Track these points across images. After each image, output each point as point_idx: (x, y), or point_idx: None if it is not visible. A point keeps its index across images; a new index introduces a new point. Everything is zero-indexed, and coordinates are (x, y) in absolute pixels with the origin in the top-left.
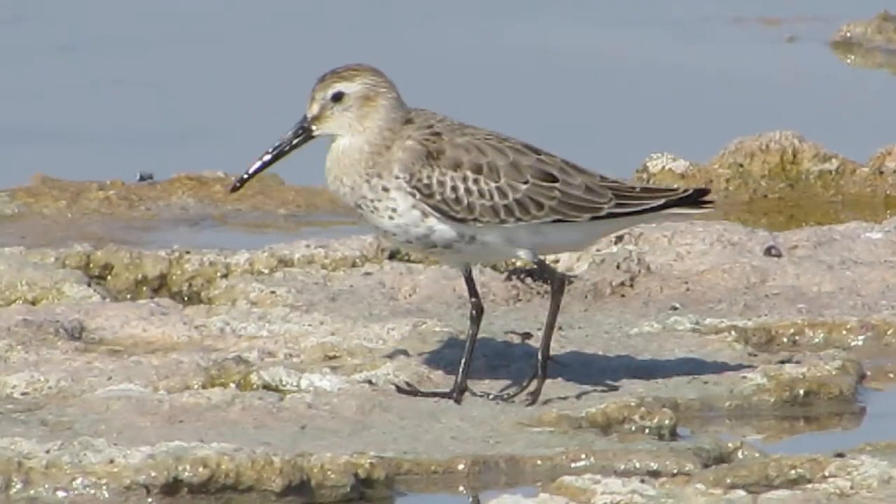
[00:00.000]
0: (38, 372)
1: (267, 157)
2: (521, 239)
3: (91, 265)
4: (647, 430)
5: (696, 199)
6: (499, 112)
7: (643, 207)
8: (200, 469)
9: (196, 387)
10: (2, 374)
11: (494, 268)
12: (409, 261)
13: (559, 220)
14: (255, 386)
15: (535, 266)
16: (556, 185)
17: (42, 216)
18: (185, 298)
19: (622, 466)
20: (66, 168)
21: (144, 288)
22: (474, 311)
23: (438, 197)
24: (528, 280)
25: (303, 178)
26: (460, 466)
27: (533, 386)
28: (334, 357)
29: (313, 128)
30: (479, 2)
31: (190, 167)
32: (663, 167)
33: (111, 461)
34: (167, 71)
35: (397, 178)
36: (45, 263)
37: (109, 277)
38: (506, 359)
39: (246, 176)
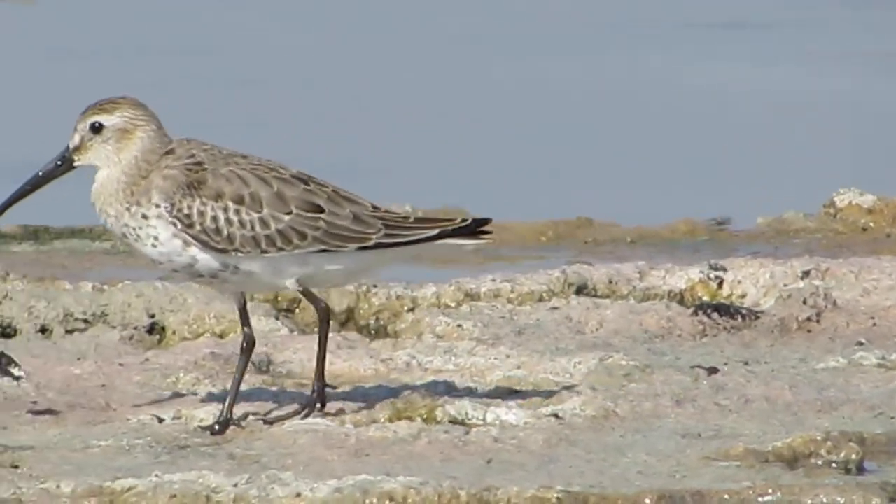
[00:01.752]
0: (225, 405)
1: (26, 187)
2: (286, 269)
3: (279, 298)
4: (833, 465)
5: (474, 229)
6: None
7: (414, 238)
8: (387, 503)
9: (382, 420)
10: (189, 407)
11: (681, 302)
12: (595, 296)
13: (325, 251)
14: (441, 419)
15: (300, 294)
16: (322, 215)
17: None
18: (372, 332)
19: (809, 501)
20: None
21: (332, 321)
22: (245, 343)
23: (199, 227)
24: (715, 315)
25: (490, 213)
26: (647, 501)
27: (305, 412)
28: (520, 391)
29: (74, 158)
30: (653, 42)
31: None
32: (850, 202)
33: (298, 494)
34: (334, 105)
35: (157, 206)
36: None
37: (297, 311)
38: (692, 393)
39: (4, 204)
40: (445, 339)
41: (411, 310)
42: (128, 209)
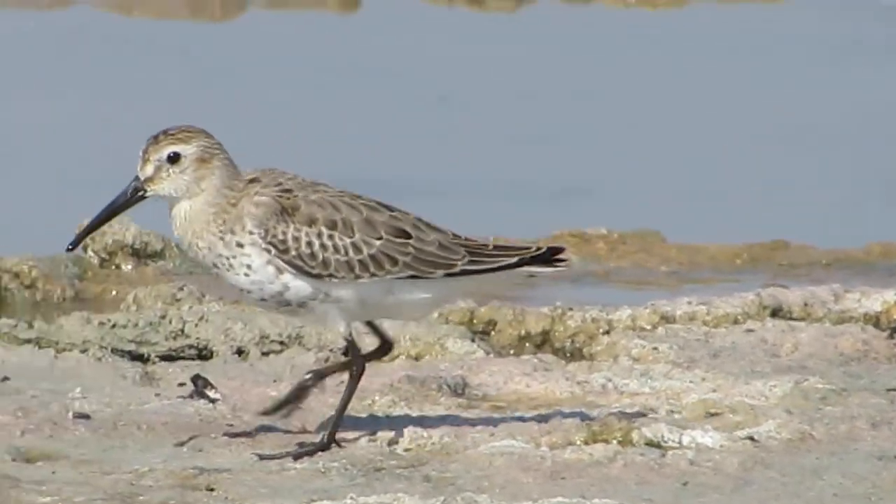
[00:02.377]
0: (421, 428)
1: (99, 217)
2: (373, 298)
3: (475, 321)
4: None
5: (549, 257)
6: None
7: (497, 265)
8: None
9: (578, 443)
10: (385, 429)
11: (877, 325)
12: (790, 318)
13: (413, 276)
14: (636, 442)
15: (346, 341)
16: (410, 241)
17: None
18: (568, 354)
19: None
20: (446, 221)
21: (527, 344)
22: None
23: (294, 252)
24: None
25: (685, 236)
26: None
27: (308, 449)
28: (716, 413)
29: (147, 188)
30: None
31: (572, 224)
32: None
33: None
34: (554, 126)
35: (251, 233)
36: (429, 319)
37: (493, 333)
38: (888, 415)
39: (79, 234)
40: (641, 361)
41: (607, 332)
42: (221, 238)
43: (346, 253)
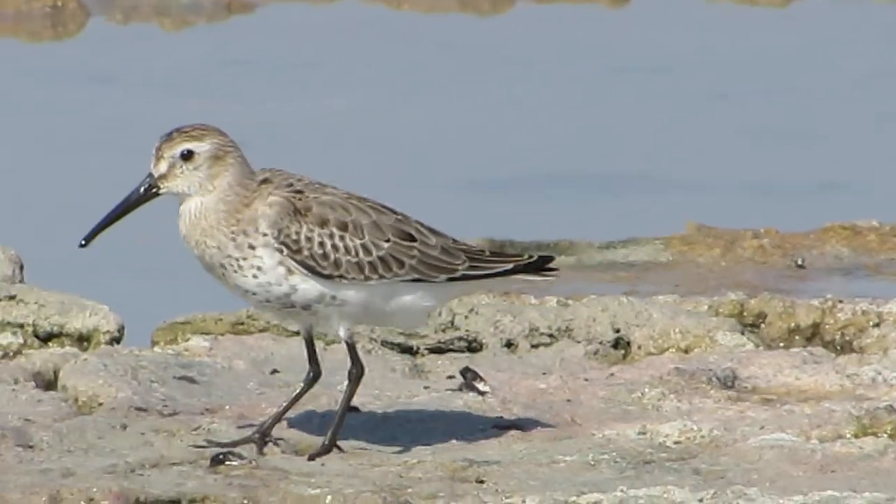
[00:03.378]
0: (690, 421)
1: (110, 216)
2: (377, 301)
3: (745, 313)
4: None
5: (541, 266)
6: None
7: (494, 271)
8: None
9: (848, 436)
10: (655, 422)
11: None
12: None
13: (418, 280)
14: None
15: (346, 344)
16: (415, 244)
17: (696, 264)
18: (838, 347)
19: None
20: (719, 216)
21: (797, 336)
22: (311, 375)
23: (306, 252)
24: None
25: None
26: None
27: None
28: None
29: (160, 185)
30: None
31: (843, 216)
32: None
33: None
34: (818, 120)
35: (265, 234)
36: (699, 311)
37: (763, 326)
38: None
39: (90, 231)
40: None
41: (877, 325)
42: (233, 240)
43: (357, 254)
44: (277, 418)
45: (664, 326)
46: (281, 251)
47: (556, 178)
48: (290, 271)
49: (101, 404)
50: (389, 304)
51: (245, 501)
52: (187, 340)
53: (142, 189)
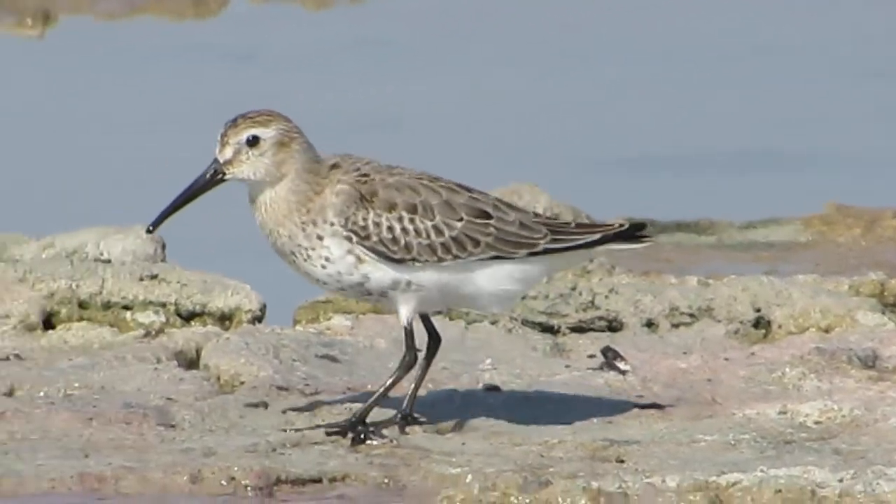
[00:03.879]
0: (831, 401)
1: (177, 201)
2: (453, 283)
3: (885, 293)
4: None
5: (633, 233)
6: None
7: (579, 242)
8: None
9: None
10: (795, 402)
11: None
12: None
13: (497, 257)
14: None
15: (405, 330)
16: (491, 221)
17: (836, 244)
18: None
19: None
20: (860, 195)
21: None
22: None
23: (375, 238)
24: None
25: None
26: None
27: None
28: None
29: (226, 171)
30: None
31: None
32: None
33: None
34: None
35: (332, 224)
36: (839, 291)
37: None
38: None
39: (157, 217)
40: None
41: None
42: (303, 230)
43: (428, 236)
44: (414, 394)
45: (805, 306)
46: (350, 239)
47: (691, 157)
48: (360, 259)
49: (242, 383)
50: (468, 286)
51: (386, 480)
52: (329, 319)
53: (207, 175)
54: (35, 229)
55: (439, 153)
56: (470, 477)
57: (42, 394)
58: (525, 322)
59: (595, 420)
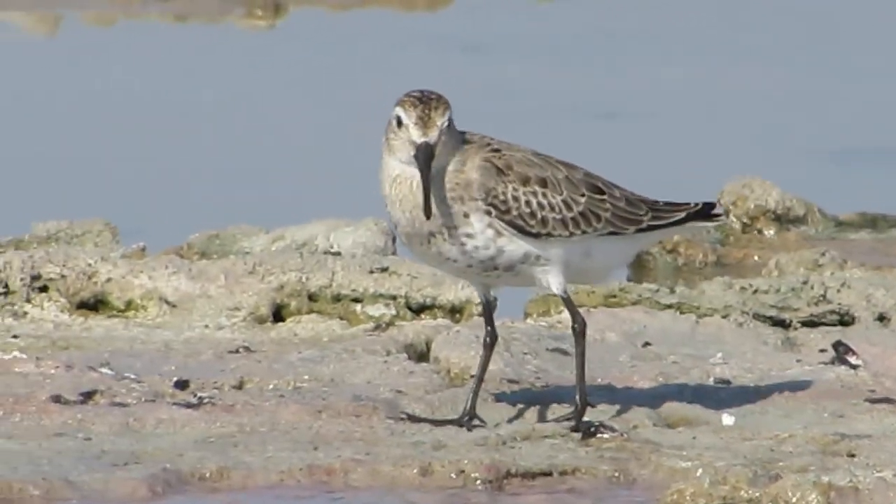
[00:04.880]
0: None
1: (425, 185)
2: (575, 257)
3: None
4: None
5: (707, 212)
6: None
7: (672, 220)
8: None
9: None
10: None
11: None
12: None
13: (611, 233)
14: None
15: (563, 300)
16: (605, 197)
17: None
18: None
19: None
20: None
21: None
22: (488, 339)
23: (515, 213)
24: None
25: None
26: None
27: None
28: None
29: (434, 154)
30: None
31: None
32: None
33: None
34: None
35: (474, 199)
36: None
37: None
38: None
39: (426, 205)
40: None
41: None
42: (450, 207)
43: (560, 211)
44: (475, 393)
45: None
46: (489, 213)
47: None
48: (498, 233)
49: (472, 376)
50: (585, 260)
51: (616, 474)
52: (560, 313)
53: (425, 157)
54: (265, 222)
55: (665, 145)
56: (700, 471)
57: (271, 386)
58: (756, 316)
59: (826, 414)
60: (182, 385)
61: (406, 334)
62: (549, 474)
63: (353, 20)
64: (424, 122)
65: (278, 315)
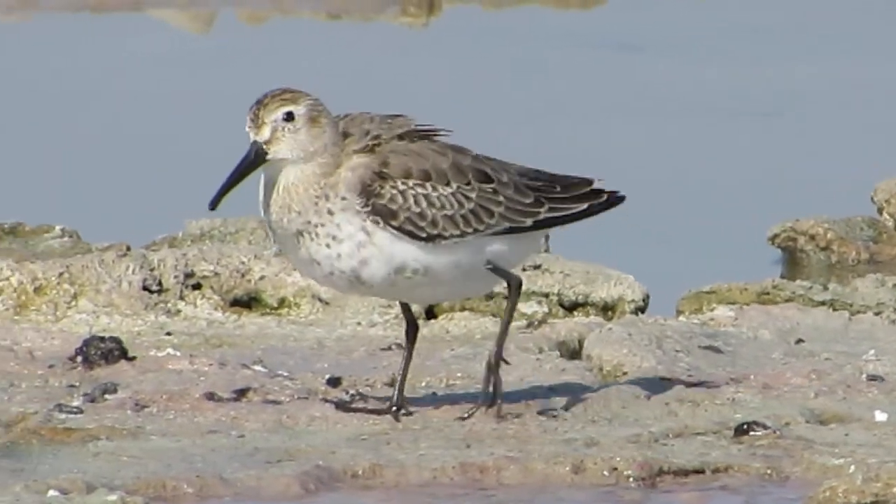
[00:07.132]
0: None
1: (229, 181)
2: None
3: None
4: None
5: (615, 203)
6: None
7: (574, 212)
8: None
9: None
10: None
11: None
12: None
13: (510, 230)
14: None
15: (489, 269)
16: (494, 185)
17: None
18: None
19: None
20: None
21: None
22: (410, 331)
23: (403, 217)
24: None
25: None
26: None
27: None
28: None
29: (268, 151)
30: None
31: None
32: None
33: None
34: None
35: (344, 199)
36: None
37: None
38: None
39: (214, 196)
40: None
41: None
42: (315, 204)
43: (451, 206)
44: (402, 384)
45: None
46: (377, 223)
47: None
48: (368, 234)
49: (625, 373)
50: (481, 268)
51: (768, 471)
52: (712, 310)
53: (251, 156)
54: None
55: (819, 142)
56: (853, 468)
57: (424, 384)
58: None
59: None
60: (334, 382)
61: (558, 332)
62: (702, 472)
63: (506, 18)
64: (254, 122)
65: (431, 312)
